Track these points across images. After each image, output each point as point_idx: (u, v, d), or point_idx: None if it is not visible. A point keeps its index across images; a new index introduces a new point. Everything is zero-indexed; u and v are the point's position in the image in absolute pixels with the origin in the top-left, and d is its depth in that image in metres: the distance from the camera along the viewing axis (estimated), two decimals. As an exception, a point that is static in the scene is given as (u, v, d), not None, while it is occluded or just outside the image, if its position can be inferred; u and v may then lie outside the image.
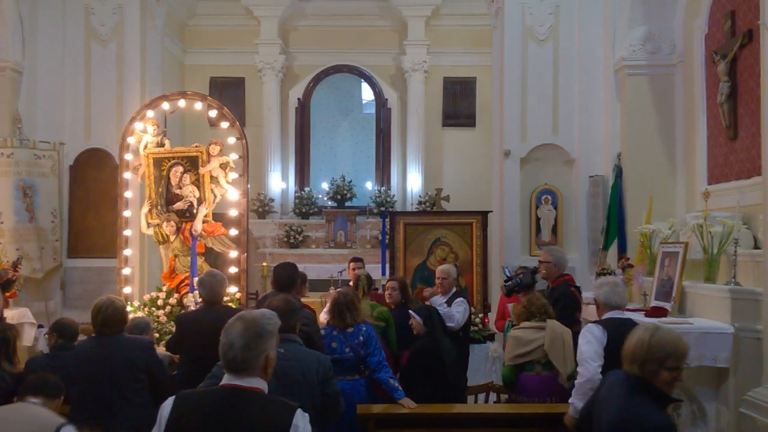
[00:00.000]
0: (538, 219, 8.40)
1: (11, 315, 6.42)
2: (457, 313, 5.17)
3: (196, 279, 5.87)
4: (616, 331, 3.45)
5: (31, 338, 6.72)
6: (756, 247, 5.35)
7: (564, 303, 4.99)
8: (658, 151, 7.29)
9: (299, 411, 2.14)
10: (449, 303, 5.28)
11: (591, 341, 3.59)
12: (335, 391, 3.21)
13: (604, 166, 8.12)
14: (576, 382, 3.70)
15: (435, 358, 4.41)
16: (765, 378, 4.61)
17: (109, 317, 3.64)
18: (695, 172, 6.83)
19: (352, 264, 6.54)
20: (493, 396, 4.95)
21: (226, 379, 2.18)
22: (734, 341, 4.89)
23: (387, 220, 7.40)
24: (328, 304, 4.83)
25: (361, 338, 4.26)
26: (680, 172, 7.20)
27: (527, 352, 4.23)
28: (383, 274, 7.36)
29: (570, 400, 3.74)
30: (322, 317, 5.11)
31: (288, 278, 4.45)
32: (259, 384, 2.18)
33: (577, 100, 8.40)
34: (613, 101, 7.85)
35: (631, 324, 3.59)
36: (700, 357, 4.90)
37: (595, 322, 3.71)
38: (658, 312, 5.49)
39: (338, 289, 4.91)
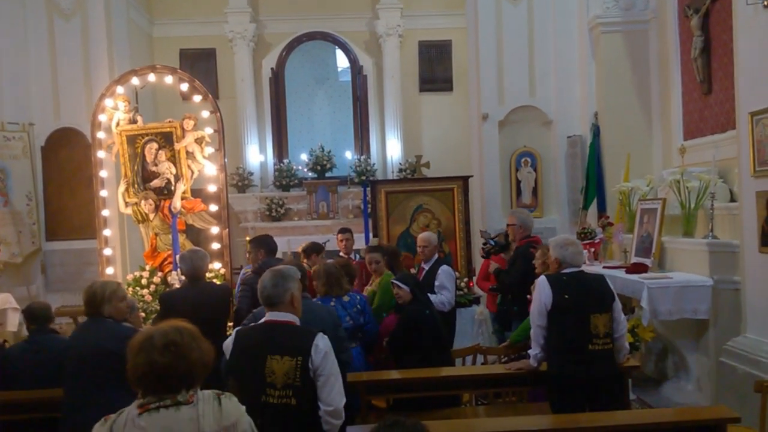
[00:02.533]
0: (518, 182, 8.44)
1: (-7, 301, 6.35)
2: (444, 294, 5.22)
3: (178, 256, 5.83)
4: (567, 282, 3.74)
5: (16, 323, 6.66)
6: (732, 200, 5.44)
7: (515, 262, 5.24)
8: (635, 109, 7.34)
9: (319, 334, 2.83)
10: (432, 271, 5.33)
11: (537, 297, 3.80)
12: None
13: (581, 125, 8.15)
14: (530, 333, 3.95)
15: (427, 322, 4.44)
16: (743, 327, 4.75)
17: (86, 301, 3.56)
18: (671, 128, 6.89)
19: (340, 235, 6.52)
20: (480, 358, 5.03)
21: (267, 316, 2.91)
22: (713, 293, 5.02)
23: (368, 189, 7.38)
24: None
25: (358, 306, 4.34)
26: (656, 128, 7.26)
27: None
28: (366, 243, 7.36)
29: (529, 351, 3.98)
30: None
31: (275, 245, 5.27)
32: (290, 318, 2.90)
33: (552, 60, 8.37)
34: (589, 60, 7.84)
35: (584, 275, 3.85)
36: (680, 310, 5.03)
37: (547, 275, 3.86)
38: (638, 268, 5.59)
39: (327, 260, 4.95)
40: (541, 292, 3.76)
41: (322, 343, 2.80)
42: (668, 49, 6.90)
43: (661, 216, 5.69)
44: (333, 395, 2.77)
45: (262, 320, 2.93)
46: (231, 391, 2.33)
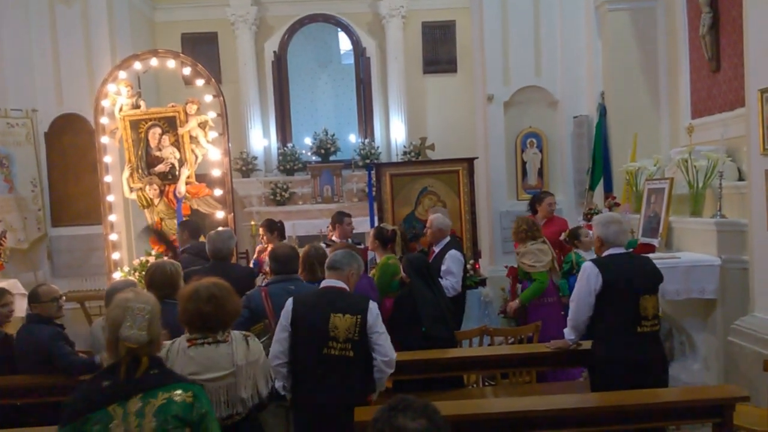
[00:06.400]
0: (524, 163, 8.38)
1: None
2: (449, 279, 5.21)
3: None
4: (616, 265, 3.69)
5: (23, 309, 6.68)
6: (740, 179, 5.39)
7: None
8: (642, 88, 7.24)
9: (371, 301, 3.37)
10: (441, 253, 5.31)
11: (584, 284, 3.71)
12: None
13: (587, 105, 8.07)
14: (568, 318, 3.90)
15: (412, 309, 4.44)
16: (751, 307, 4.72)
17: (157, 283, 3.49)
18: (679, 107, 6.81)
19: (345, 219, 6.40)
20: (486, 339, 5.04)
21: (325, 282, 3.41)
22: (721, 273, 4.99)
23: (373, 172, 7.34)
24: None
25: None
26: (664, 107, 7.17)
27: (550, 259, 5.33)
28: (371, 226, 7.34)
29: (565, 331, 3.96)
30: None
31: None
32: (345, 285, 3.40)
33: (558, 39, 8.26)
34: (595, 39, 7.74)
35: (629, 257, 3.81)
36: (688, 290, 5.00)
37: (594, 260, 3.77)
38: (646, 248, 5.56)
39: (311, 244, 4.90)
40: (590, 277, 3.65)
41: (374, 306, 3.33)
42: (676, 26, 6.80)
43: (669, 196, 5.64)
44: (387, 347, 3.31)
45: (322, 285, 3.40)
46: (294, 345, 3.21)
